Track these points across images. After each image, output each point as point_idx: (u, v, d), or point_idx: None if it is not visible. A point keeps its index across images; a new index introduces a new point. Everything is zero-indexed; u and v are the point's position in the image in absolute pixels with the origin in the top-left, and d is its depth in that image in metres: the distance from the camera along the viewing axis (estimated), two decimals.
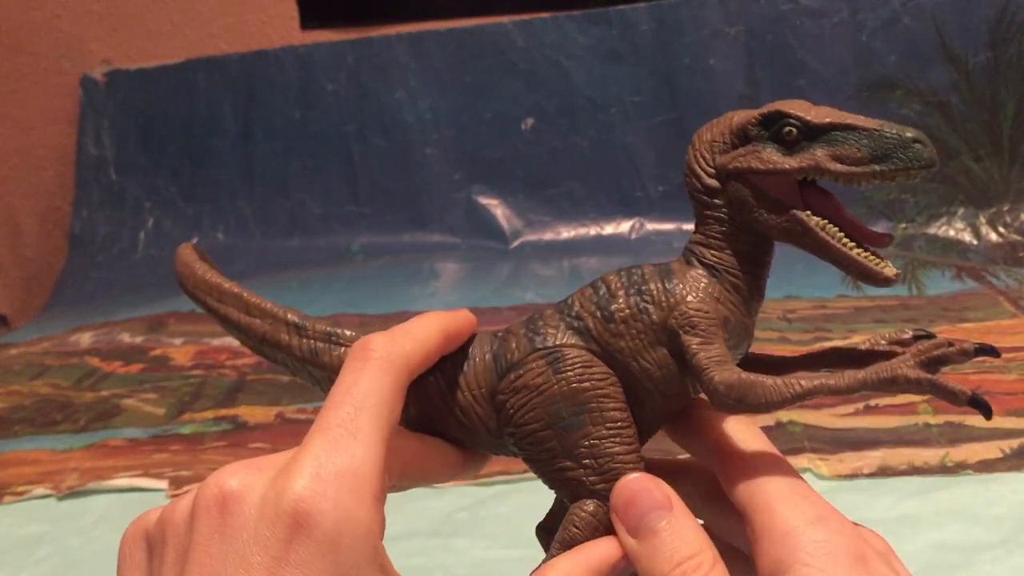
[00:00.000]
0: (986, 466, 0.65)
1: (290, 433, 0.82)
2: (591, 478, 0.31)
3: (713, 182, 0.33)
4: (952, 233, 1.26)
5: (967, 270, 1.15)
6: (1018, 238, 1.23)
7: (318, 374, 0.35)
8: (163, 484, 0.74)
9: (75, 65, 1.54)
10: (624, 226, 1.36)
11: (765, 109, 0.32)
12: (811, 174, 0.31)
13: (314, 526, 0.24)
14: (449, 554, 0.61)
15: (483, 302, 1.16)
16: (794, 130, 0.31)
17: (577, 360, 0.32)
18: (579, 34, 1.38)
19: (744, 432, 0.32)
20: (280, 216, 1.48)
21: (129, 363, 1.06)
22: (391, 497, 0.62)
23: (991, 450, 0.67)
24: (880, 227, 1.29)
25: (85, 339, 1.17)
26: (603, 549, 0.30)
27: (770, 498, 0.28)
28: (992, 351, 0.29)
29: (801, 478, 0.30)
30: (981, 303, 1.02)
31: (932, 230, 1.27)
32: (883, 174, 0.30)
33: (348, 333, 0.34)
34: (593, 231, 1.38)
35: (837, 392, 0.28)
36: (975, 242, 1.24)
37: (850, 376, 0.28)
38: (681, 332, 0.31)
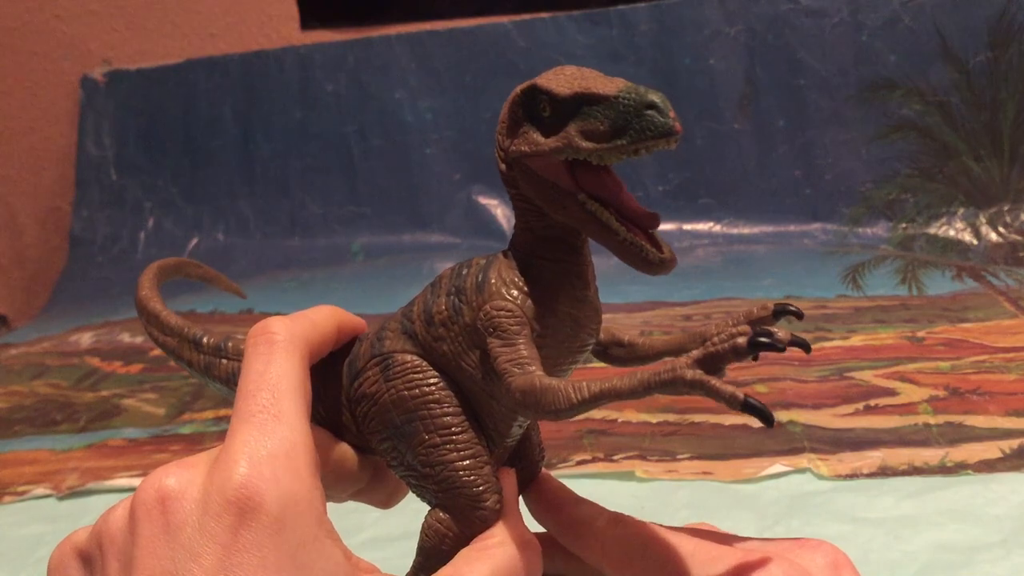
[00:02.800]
0: (986, 466, 0.65)
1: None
2: (431, 487, 0.30)
3: (503, 167, 0.30)
4: (952, 233, 1.26)
5: (967, 270, 1.15)
6: (1018, 238, 1.23)
7: (215, 386, 0.35)
8: None
9: (75, 65, 1.54)
10: None
11: (526, 84, 0.28)
12: (567, 154, 0.27)
13: (258, 509, 0.24)
14: None
15: None
16: (546, 106, 0.27)
17: (406, 366, 0.30)
18: (579, 34, 1.38)
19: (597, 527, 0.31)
20: (280, 216, 1.48)
21: (129, 363, 1.06)
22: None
23: (991, 450, 0.67)
24: (880, 227, 1.29)
25: (85, 339, 1.17)
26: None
27: None
28: (771, 347, 0.24)
29: (673, 532, 0.29)
30: (981, 303, 1.02)
31: (932, 230, 1.27)
32: (623, 149, 0.26)
33: (231, 345, 0.35)
34: None
35: (623, 396, 0.25)
36: (975, 242, 1.24)
37: (638, 378, 0.25)
38: (486, 334, 0.28)
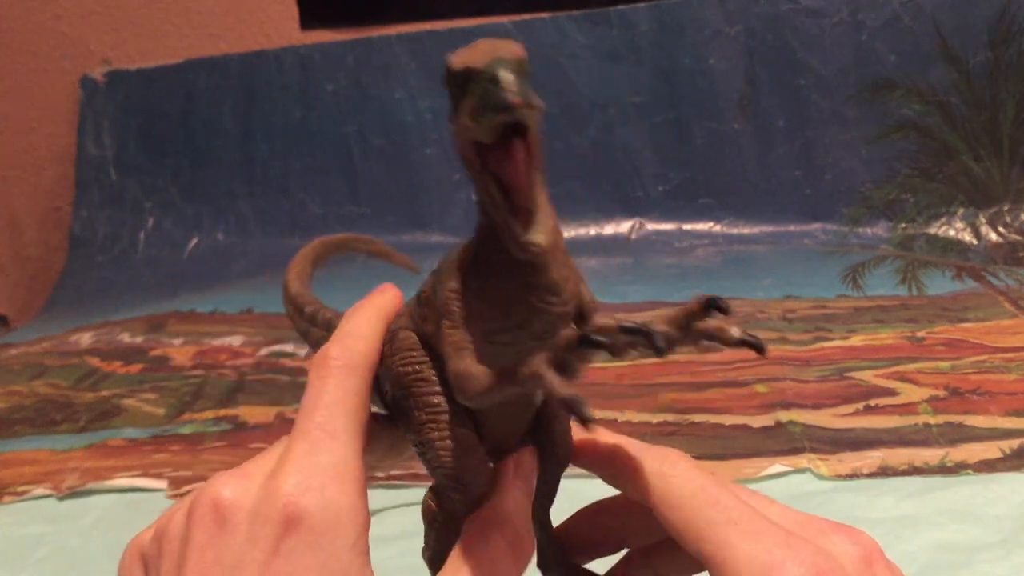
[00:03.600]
0: (986, 466, 0.65)
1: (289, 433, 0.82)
2: (424, 464, 0.30)
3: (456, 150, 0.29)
4: (952, 233, 1.26)
5: (967, 270, 1.15)
6: (1018, 238, 1.23)
7: (312, 351, 0.37)
8: (163, 484, 0.74)
9: (75, 65, 1.54)
10: (624, 226, 1.36)
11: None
12: (462, 133, 0.26)
13: (303, 519, 0.26)
14: None
15: None
16: (451, 83, 0.26)
17: (403, 343, 0.31)
18: (579, 34, 1.38)
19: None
20: (280, 216, 1.48)
21: (129, 363, 1.06)
22: (393, 497, 0.62)
23: (991, 450, 0.67)
24: (880, 227, 1.29)
25: (85, 339, 1.16)
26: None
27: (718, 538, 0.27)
28: (598, 344, 0.24)
29: (722, 487, 0.29)
30: (981, 303, 1.02)
31: (932, 230, 1.27)
32: (484, 125, 0.25)
33: (322, 316, 0.39)
34: (593, 231, 1.38)
35: (515, 386, 0.26)
36: (975, 242, 1.24)
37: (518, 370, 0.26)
38: (441, 316, 0.29)
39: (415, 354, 0.30)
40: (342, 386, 0.29)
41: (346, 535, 0.26)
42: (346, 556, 0.26)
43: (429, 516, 0.31)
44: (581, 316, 0.30)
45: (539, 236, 0.26)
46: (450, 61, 0.26)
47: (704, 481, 0.29)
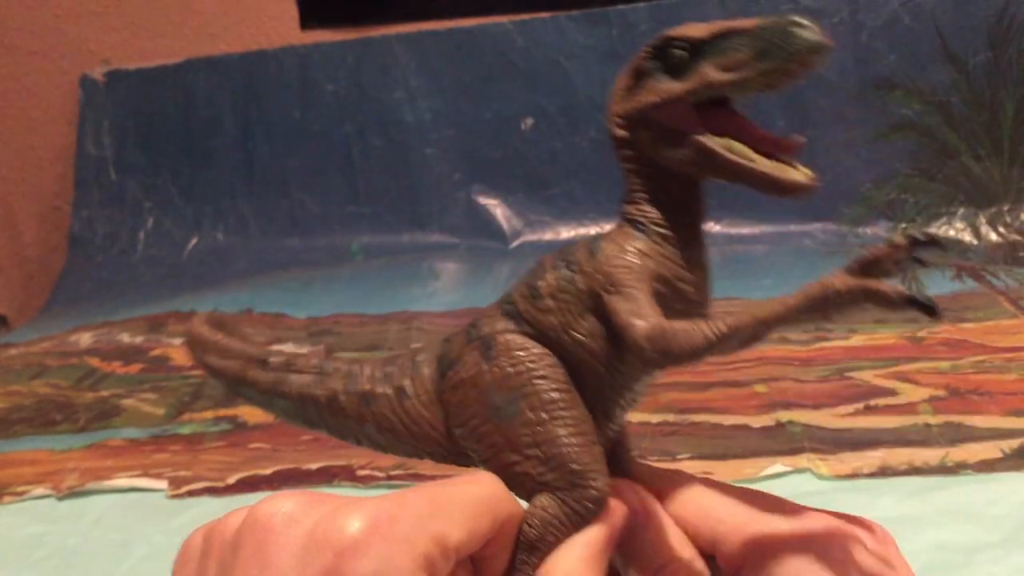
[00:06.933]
0: (986, 466, 0.65)
1: (289, 434, 0.82)
2: (539, 469, 0.29)
3: (622, 132, 0.30)
4: (952, 233, 1.26)
5: (967, 270, 1.15)
6: (1018, 238, 1.23)
7: (282, 404, 0.34)
8: (163, 484, 0.74)
9: (75, 65, 1.54)
10: None
11: (655, 39, 0.29)
12: (703, 92, 0.27)
13: (353, 562, 0.24)
14: None
15: (483, 302, 1.15)
16: (682, 51, 0.28)
17: (509, 344, 0.30)
18: (579, 34, 1.38)
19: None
20: (280, 216, 1.48)
21: (129, 363, 1.06)
22: None
23: (991, 450, 0.67)
24: (880, 227, 1.29)
25: (85, 339, 1.16)
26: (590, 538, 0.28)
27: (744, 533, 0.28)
28: (933, 242, 0.25)
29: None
30: (981, 303, 1.02)
31: (932, 230, 1.27)
32: (770, 72, 0.26)
33: (307, 361, 0.34)
34: (593, 231, 1.37)
35: (770, 325, 0.25)
36: (975, 242, 1.24)
37: (781, 303, 0.25)
38: (604, 293, 0.28)
39: (524, 353, 0.30)
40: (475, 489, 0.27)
41: None
42: None
43: (541, 528, 0.28)
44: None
45: (800, 175, 0.27)
46: (683, 32, 0.28)
47: (710, 489, 0.31)
